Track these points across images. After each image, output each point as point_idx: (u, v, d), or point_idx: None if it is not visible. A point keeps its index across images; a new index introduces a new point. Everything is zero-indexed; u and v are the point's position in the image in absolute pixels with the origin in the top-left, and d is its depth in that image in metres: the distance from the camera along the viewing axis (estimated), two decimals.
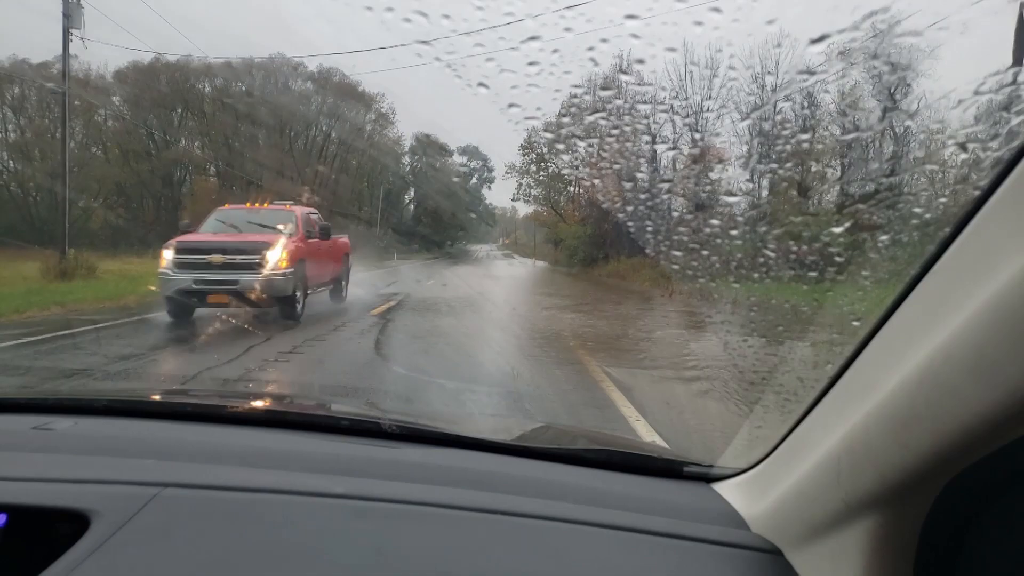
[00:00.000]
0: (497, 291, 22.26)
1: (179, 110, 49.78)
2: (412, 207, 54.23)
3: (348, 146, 49.74)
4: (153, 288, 12.89)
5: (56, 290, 16.82)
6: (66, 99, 21.62)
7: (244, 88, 48.80)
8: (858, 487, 0.90)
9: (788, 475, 1.13)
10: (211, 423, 1.66)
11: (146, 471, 1.27)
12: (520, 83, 3.31)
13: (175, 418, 1.69)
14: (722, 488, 1.44)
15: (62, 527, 1.07)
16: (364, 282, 19.74)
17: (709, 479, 1.50)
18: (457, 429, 1.69)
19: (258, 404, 1.77)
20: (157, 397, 1.84)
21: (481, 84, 4.13)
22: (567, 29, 2.83)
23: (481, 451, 1.59)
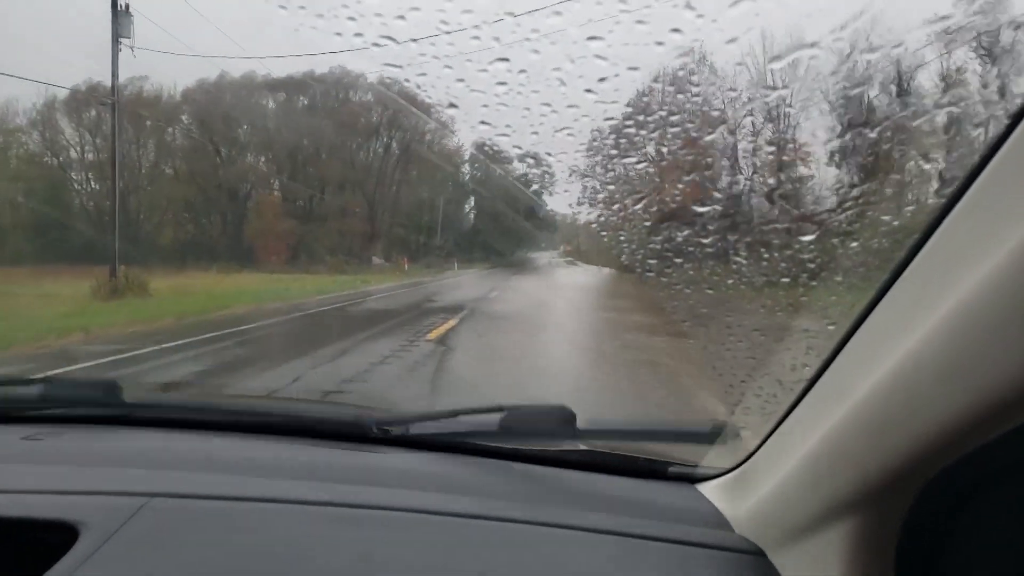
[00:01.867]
0: (568, 307, 18.56)
1: (244, 126, 49.84)
2: (472, 216, 54.59)
3: (408, 156, 49.94)
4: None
5: (97, 311, 16.07)
6: (115, 112, 21.42)
7: (305, 102, 48.93)
8: (837, 489, 0.92)
9: (770, 477, 1.15)
10: (198, 431, 1.65)
11: (134, 481, 1.27)
12: (490, 102, 3.36)
13: (162, 426, 1.68)
14: (706, 489, 1.45)
15: (51, 538, 1.07)
16: (421, 294, 19.81)
17: (693, 479, 1.51)
18: (441, 424, 1.69)
19: (244, 411, 1.76)
20: (144, 406, 1.81)
21: (451, 104, 4.16)
22: (534, 51, 2.88)
23: (465, 454, 1.58)
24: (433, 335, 11.24)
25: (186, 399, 1.76)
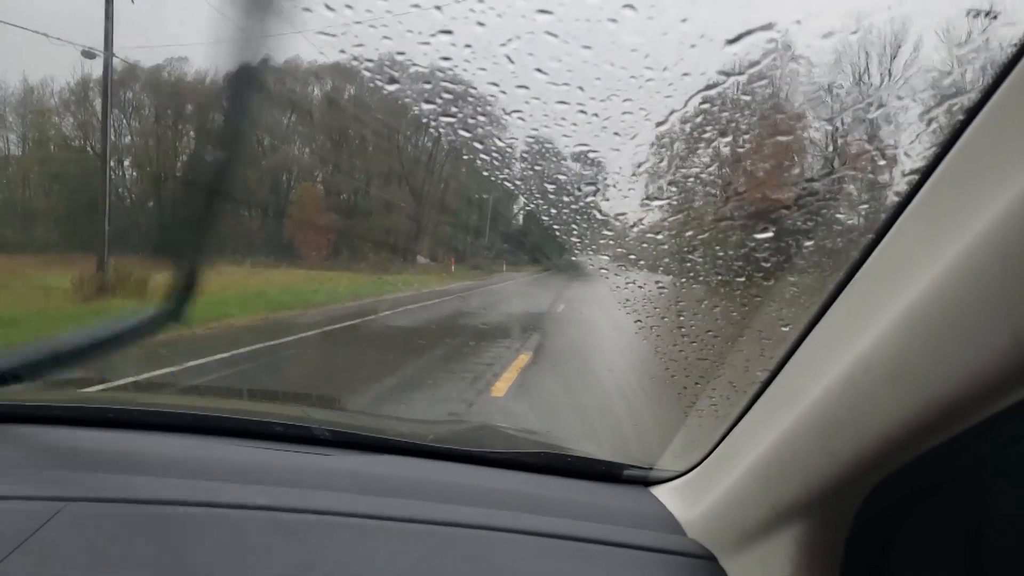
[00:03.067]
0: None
1: (289, 113, 48.12)
2: (521, 217, 50.70)
3: (458, 151, 46.49)
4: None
5: (62, 315, 12.88)
6: (110, 70, 19.32)
7: (353, 91, 47.17)
8: (786, 494, 0.97)
9: (721, 481, 1.20)
10: (129, 430, 1.59)
11: (49, 485, 1.23)
12: (432, 79, 3.31)
13: (89, 425, 1.61)
14: (660, 492, 1.50)
15: None
16: (474, 304, 18.35)
17: (648, 482, 1.56)
18: (393, 434, 1.69)
19: (182, 408, 1.71)
20: (68, 402, 1.73)
21: (392, 80, 4.09)
22: (479, 24, 2.84)
23: (418, 457, 1.59)
24: (500, 388, 7.38)
25: (115, 397, 1.69)
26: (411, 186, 46.65)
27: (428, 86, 3.45)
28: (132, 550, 1.09)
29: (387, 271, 33.94)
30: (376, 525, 1.23)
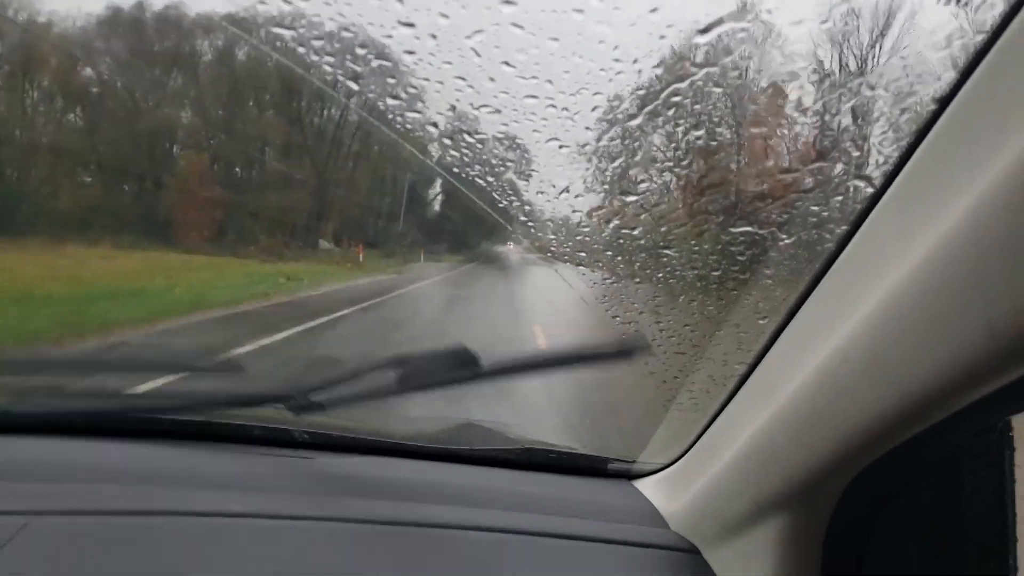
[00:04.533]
0: None
1: (172, 72, 40.72)
2: (439, 201, 47.20)
3: (369, 124, 39.99)
4: None
5: None
6: None
7: (250, 49, 39.79)
8: (765, 487, 0.99)
9: (703, 474, 1.23)
10: (98, 437, 1.56)
11: (13, 498, 1.21)
12: (397, 74, 3.30)
13: (52, 433, 1.57)
14: (643, 485, 1.53)
15: None
16: (389, 321, 12.75)
17: (631, 476, 1.59)
18: (374, 435, 1.69)
19: (155, 413, 1.69)
20: (31, 409, 1.69)
21: (355, 76, 4.06)
22: (443, 15, 2.83)
23: (400, 457, 1.60)
24: None
25: (82, 404, 1.64)
26: (314, 160, 39.72)
27: (336, 46, 3.37)
28: (103, 564, 1.07)
29: (281, 257, 28.41)
30: (358, 529, 1.23)
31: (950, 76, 0.70)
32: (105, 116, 38.36)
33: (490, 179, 3.42)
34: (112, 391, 1.72)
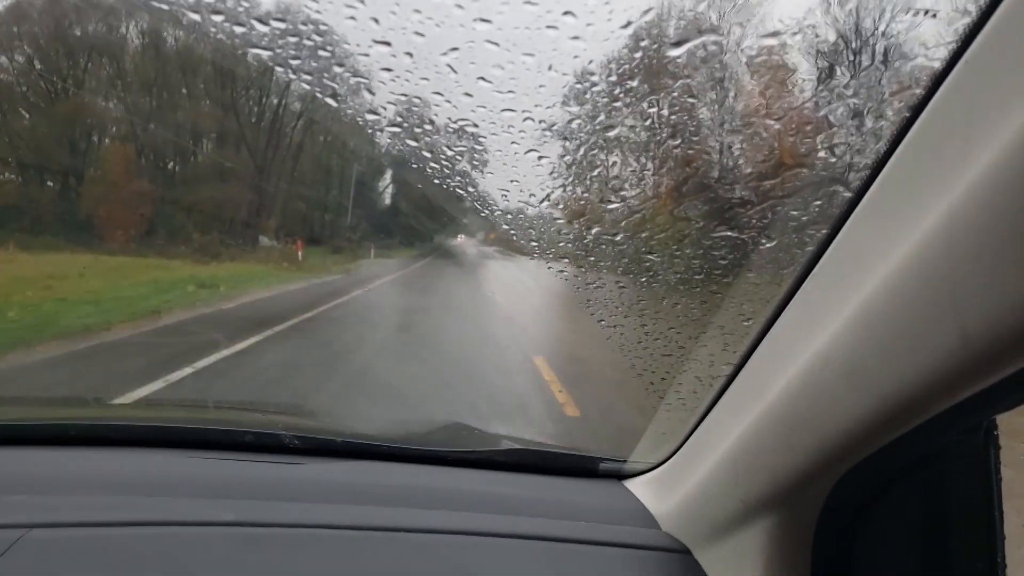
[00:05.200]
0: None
1: (93, 56, 35.58)
2: (389, 193, 45.31)
3: (314, 114, 37.09)
4: None
5: None
6: None
7: (180, 33, 35.26)
8: (754, 487, 1.01)
9: (692, 474, 1.24)
10: (89, 448, 1.56)
11: (10, 511, 1.21)
12: (376, 90, 3.32)
13: (47, 445, 1.57)
14: (634, 485, 1.55)
15: None
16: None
17: (621, 476, 1.61)
18: (364, 439, 1.70)
19: (146, 422, 1.68)
20: (24, 421, 1.68)
21: (332, 95, 4.07)
22: (418, 34, 2.86)
23: (390, 461, 1.61)
24: None
25: (76, 414, 1.64)
26: (252, 151, 35.51)
27: (280, 25, 3.37)
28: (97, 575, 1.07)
29: (216, 256, 25.15)
30: (348, 535, 1.24)
31: (922, 85, 0.71)
32: (19, 104, 34.01)
33: (445, 169, 3.42)
34: (102, 400, 1.71)
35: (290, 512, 1.30)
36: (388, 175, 43.18)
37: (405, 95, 3.17)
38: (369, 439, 1.71)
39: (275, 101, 37.74)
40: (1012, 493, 0.92)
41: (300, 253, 26.32)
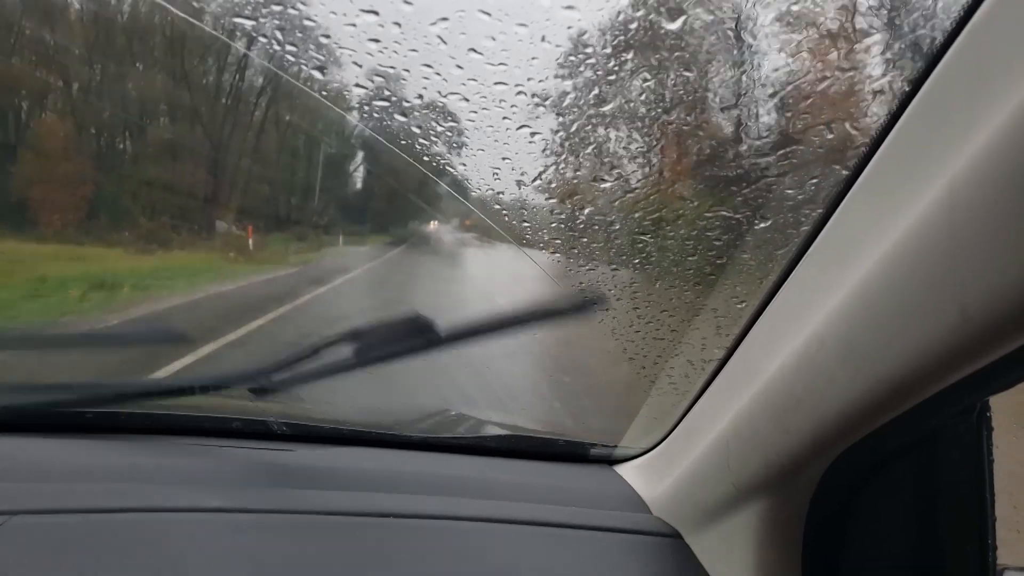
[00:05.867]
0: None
1: (25, 19, 30.01)
2: (361, 177, 41.43)
3: (277, 88, 32.63)
4: None
5: None
6: None
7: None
8: (746, 471, 1.01)
9: (683, 458, 1.25)
10: (74, 434, 1.56)
11: None
12: (363, 62, 3.27)
13: (30, 431, 1.57)
14: (625, 470, 1.55)
15: None
16: None
17: (612, 461, 1.61)
18: (353, 425, 1.70)
19: (130, 408, 1.67)
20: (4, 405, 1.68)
21: (318, 68, 4.01)
22: (406, 2, 2.81)
23: (380, 447, 1.61)
24: None
25: (59, 397, 1.63)
26: (207, 126, 31.42)
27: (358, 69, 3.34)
28: (82, 562, 1.07)
29: (165, 244, 21.75)
30: (337, 521, 1.24)
31: (924, 58, 0.70)
32: None
33: (423, 149, 3.34)
34: (78, 383, 1.70)
35: (278, 498, 1.30)
36: (360, 156, 39.79)
37: (394, 67, 3.12)
38: (358, 425, 1.71)
39: (234, 74, 33.22)
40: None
41: (251, 241, 22.10)
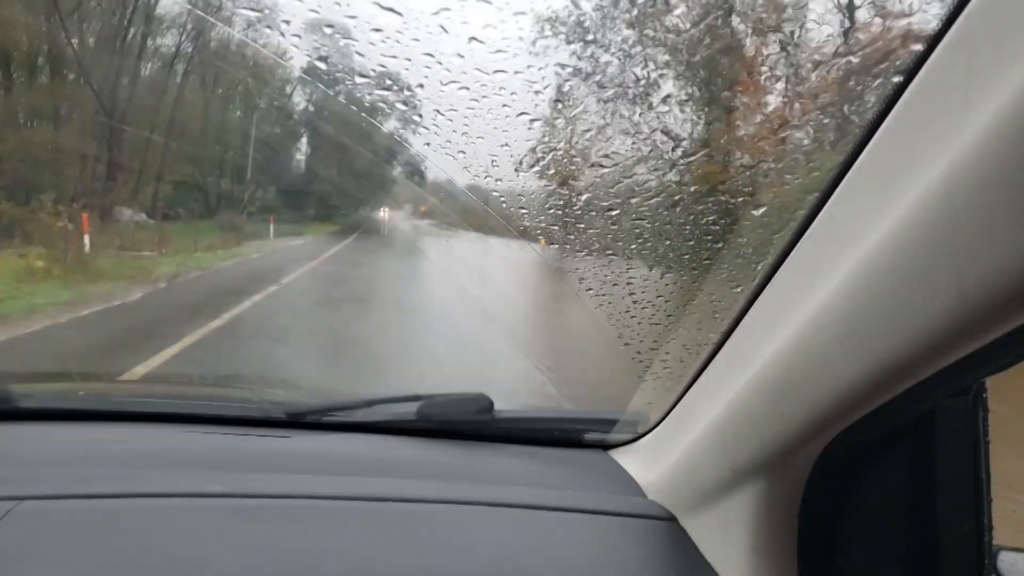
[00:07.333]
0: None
1: None
2: (304, 157, 36.22)
3: (200, 51, 26.68)
4: None
5: None
6: None
7: None
8: (742, 454, 1.01)
9: (679, 443, 1.25)
10: (79, 422, 1.59)
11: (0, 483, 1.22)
12: (366, 52, 3.26)
13: (38, 419, 1.60)
14: (620, 455, 1.56)
15: None
16: None
17: (607, 446, 1.62)
18: (351, 413, 1.71)
19: (134, 397, 1.70)
20: (16, 396, 1.71)
21: (320, 58, 4.00)
22: None
23: (376, 433, 1.62)
24: None
25: (67, 388, 1.66)
26: (96, 89, 23.00)
27: (361, 58, 3.32)
28: (87, 547, 1.08)
29: (27, 239, 14.24)
30: (335, 506, 1.25)
31: (921, 41, 0.69)
32: None
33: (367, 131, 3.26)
34: (90, 375, 1.73)
35: (278, 483, 1.32)
36: (303, 137, 35.07)
37: (395, 56, 3.11)
38: (354, 412, 1.71)
39: (145, 34, 25.74)
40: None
41: (86, 239, 13.89)
